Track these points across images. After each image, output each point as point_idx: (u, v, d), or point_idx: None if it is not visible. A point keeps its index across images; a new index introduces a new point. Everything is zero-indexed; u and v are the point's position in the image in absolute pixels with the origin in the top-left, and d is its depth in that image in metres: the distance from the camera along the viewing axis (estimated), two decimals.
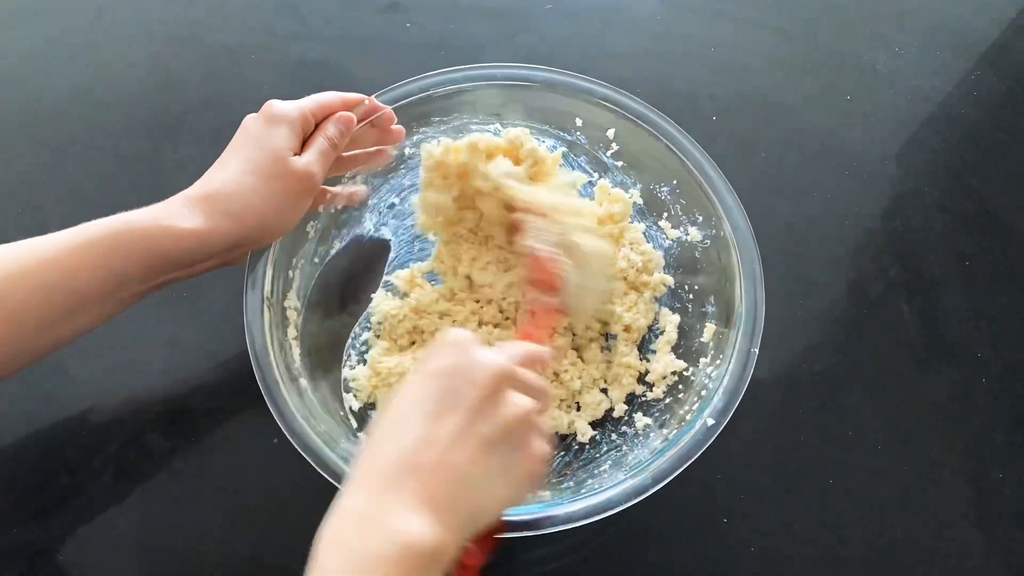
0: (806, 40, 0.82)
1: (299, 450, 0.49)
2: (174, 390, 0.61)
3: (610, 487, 0.49)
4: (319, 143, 0.53)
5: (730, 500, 0.58)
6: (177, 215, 0.48)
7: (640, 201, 0.66)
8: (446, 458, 0.38)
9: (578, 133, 0.66)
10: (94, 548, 0.55)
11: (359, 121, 0.56)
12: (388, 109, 0.58)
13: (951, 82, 0.80)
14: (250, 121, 0.53)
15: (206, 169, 0.52)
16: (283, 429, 0.50)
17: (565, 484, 0.54)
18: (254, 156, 0.51)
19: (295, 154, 0.52)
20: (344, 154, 0.58)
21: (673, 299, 0.64)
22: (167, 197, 0.50)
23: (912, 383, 0.64)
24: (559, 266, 0.55)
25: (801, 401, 0.63)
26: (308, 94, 0.55)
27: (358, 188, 0.64)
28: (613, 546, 0.56)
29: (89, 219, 0.47)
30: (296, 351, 0.56)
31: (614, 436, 0.58)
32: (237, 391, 0.60)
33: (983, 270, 0.70)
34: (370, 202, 0.66)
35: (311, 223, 0.61)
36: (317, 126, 0.54)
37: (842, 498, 0.59)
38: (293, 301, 0.58)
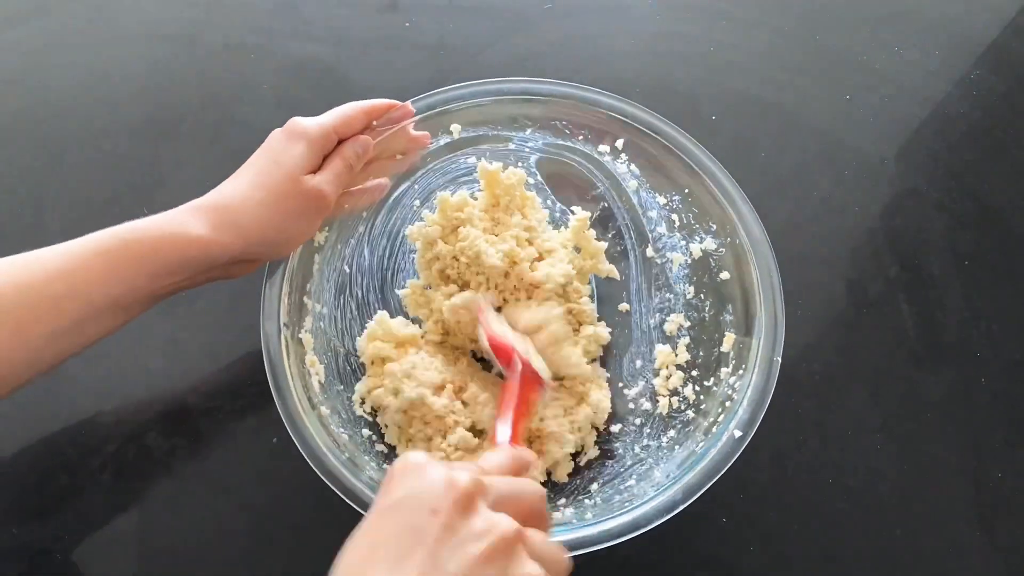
0: (806, 40, 0.82)
1: (320, 475, 0.49)
2: (174, 390, 0.61)
3: (639, 504, 0.49)
4: (335, 164, 0.54)
5: (730, 500, 0.58)
6: (183, 222, 0.48)
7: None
8: None
9: (584, 141, 0.65)
10: (94, 548, 0.55)
11: (389, 123, 0.58)
12: (408, 105, 0.59)
13: (951, 82, 0.80)
14: (273, 136, 0.53)
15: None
16: (294, 440, 0.50)
17: (590, 501, 0.54)
18: (267, 170, 0.51)
19: (313, 170, 0.53)
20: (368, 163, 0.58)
21: (690, 309, 0.63)
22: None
23: (912, 383, 0.64)
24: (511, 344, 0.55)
25: (801, 401, 0.63)
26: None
27: (379, 182, 0.62)
28: (612, 546, 0.56)
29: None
30: (315, 379, 0.56)
31: (637, 449, 0.58)
32: (237, 392, 0.60)
33: (983, 270, 0.70)
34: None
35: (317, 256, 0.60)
36: (342, 141, 0.55)
37: (842, 498, 0.59)
38: (309, 324, 0.58)
